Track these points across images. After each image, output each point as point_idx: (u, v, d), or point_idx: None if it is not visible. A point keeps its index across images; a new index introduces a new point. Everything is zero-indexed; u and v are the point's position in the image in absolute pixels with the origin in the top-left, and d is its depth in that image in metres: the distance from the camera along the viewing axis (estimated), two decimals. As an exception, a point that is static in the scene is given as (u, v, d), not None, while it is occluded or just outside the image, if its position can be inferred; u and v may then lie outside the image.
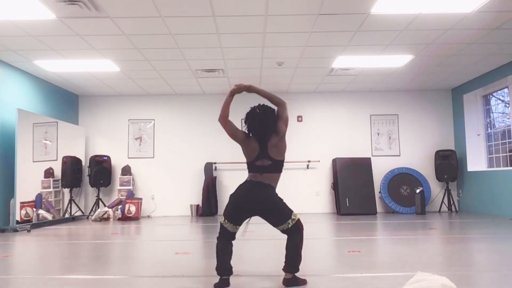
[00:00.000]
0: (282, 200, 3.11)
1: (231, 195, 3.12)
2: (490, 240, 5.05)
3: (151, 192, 9.38)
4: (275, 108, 3.20)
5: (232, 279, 3.14)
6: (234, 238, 3.15)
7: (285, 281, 3.05)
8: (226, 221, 3.09)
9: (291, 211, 3.09)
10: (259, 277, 3.32)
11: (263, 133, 3.10)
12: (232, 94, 3.27)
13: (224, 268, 3.08)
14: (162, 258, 4.21)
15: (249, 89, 3.26)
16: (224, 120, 3.22)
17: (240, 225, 3.11)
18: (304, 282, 3.08)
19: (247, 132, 3.20)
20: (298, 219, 3.10)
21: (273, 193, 3.09)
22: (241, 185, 3.15)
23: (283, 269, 3.08)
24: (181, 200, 9.35)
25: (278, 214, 3.05)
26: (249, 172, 3.17)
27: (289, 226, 3.04)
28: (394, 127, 9.58)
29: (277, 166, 3.12)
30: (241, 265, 3.68)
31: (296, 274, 3.08)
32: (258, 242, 5.13)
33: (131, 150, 9.53)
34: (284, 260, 3.09)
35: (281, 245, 4.71)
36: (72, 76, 7.93)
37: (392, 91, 9.58)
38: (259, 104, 3.18)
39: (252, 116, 3.13)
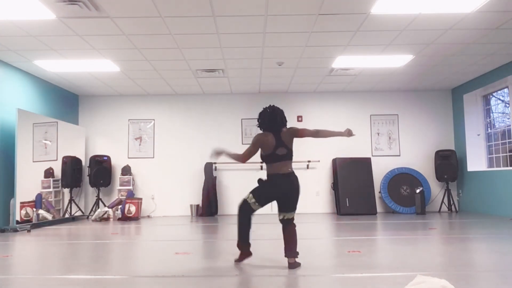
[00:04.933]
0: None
1: (265, 183, 3.70)
2: (490, 240, 5.05)
3: (151, 192, 9.38)
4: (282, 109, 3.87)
5: (233, 278, 3.14)
6: (253, 213, 3.73)
7: (290, 265, 3.59)
8: (256, 204, 3.68)
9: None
10: (259, 277, 3.33)
11: (273, 127, 3.71)
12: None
13: (244, 240, 3.70)
14: (162, 258, 4.21)
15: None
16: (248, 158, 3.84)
17: (262, 207, 3.73)
18: (299, 265, 3.66)
19: (260, 128, 3.81)
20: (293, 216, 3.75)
21: (298, 182, 3.72)
22: (270, 181, 3.68)
23: (285, 256, 3.63)
24: (181, 200, 9.35)
25: (295, 201, 3.69)
26: (268, 163, 3.70)
27: (292, 216, 3.69)
28: (394, 127, 9.58)
29: (291, 154, 3.75)
30: (241, 264, 3.67)
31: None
32: (258, 242, 5.13)
33: (131, 150, 9.53)
34: (284, 248, 3.64)
35: (280, 246, 4.70)
36: (72, 76, 7.93)
37: (392, 91, 9.58)
38: (269, 105, 3.84)
39: (264, 115, 3.78)
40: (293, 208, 3.69)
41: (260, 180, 3.74)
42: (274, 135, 3.69)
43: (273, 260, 3.95)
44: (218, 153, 3.87)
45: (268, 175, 3.71)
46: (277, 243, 5.04)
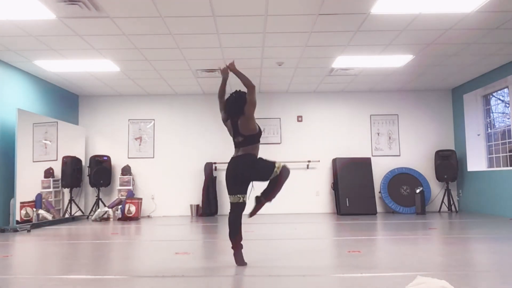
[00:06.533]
0: (262, 158, 3.74)
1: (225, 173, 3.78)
2: (490, 240, 5.05)
3: (151, 192, 9.38)
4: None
5: (233, 278, 3.14)
6: (241, 210, 3.71)
7: (257, 200, 3.78)
8: (230, 196, 3.73)
9: (273, 163, 3.70)
10: (259, 277, 3.33)
11: (233, 113, 3.76)
12: (223, 77, 4.03)
13: (235, 232, 3.68)
14: (162, 258, 4.21)
15: (231, 70, 3.90)
16: (219, 96, 4.02)
17: (239, 194, 3.68)
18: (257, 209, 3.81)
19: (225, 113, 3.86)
20: (284, 166, 3.71)
21: (252, 158, 3.68)
22: (228, 165, 3.76)
23: (261, 194, 3.77)
24: (181, 200, 9.35)
25: (262, 170, 3.68)
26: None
27: (278, 173, 3.66)
28: (394, 127, 9.58)
29: (250, 140, 3.70)
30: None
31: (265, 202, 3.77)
32: (258, 242, 5.12)
33: (131, 150, 9.53)
34: (265, 189, 3.75)
35: (280, 246, 4.69)
36: (72, 76, 7.93)
37: (392, 91, 9.58)
38: (236, 90, 3.84)
39: (228, 99, 3.83)
40: (265, 176, 3.68)
41: None
42: (232, 123, 3.75)
43: (273, 260, 3.95)
44: (225, 71, 3.95)
45: None
46: (277, 243, 5.04)
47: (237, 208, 3.71)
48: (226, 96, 3.89)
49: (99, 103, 9.61)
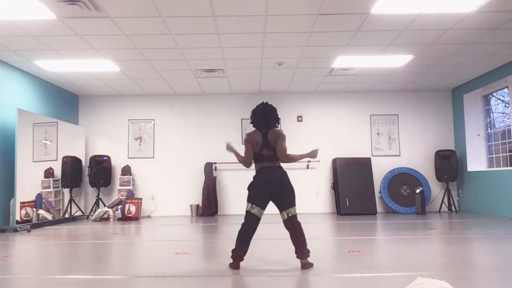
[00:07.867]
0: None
1: (253, 184, 3.66)
2: (490, 240, 5.05)
3: (151, 192, 9.38)
4: (275, 107, 3.82)
5: (233, 278, 3.13)
6: (257, 224, 3.62)
7: (302, 266, 3.58)
8: (253, 206, 3.58)
9: (295, 202, 3.64)
10: (259, 277, 3.33)
11: (264, 124, 3.69)
12: (233, 151, 3.89)
13: (240, 253, 3.58)
14: (162, 258, 4.21)
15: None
16: (250, 160, 3.77)
17: (264, 208, 3.60)
18: (312, 265, 3.63)
19: (252, 125, 3.77)
20: (296, 214, 3.63)
21: (287, 176, 3.64)
22: (257, 174, 3.66)
23: (297, 257, 3.61)
24: (181, 200, 9.35)
25: (290, 195, 3.60)
26: (257, 162, 3.69)
27: (293, 213, 3.58)
28: (394, 127, 9.58)
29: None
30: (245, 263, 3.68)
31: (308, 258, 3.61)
32: (258, 242, 5.12)
33: (131, 150, 9.53)
34: (294, 249, 3.60)
35: (280, 245, 4.69)
36: (72, 76, 7.93)
37: (392, 91, 9.58)
38: (262, 102, 3.83)
39: (256, 111, 3.76)
40: (290, 203, 3.57)
41: (249, 185, 3.68)
42: (262, 134, 3.65)
43: (273, 261, 3.95)
44: (230, 148, 3.86)
45: (255, 171, 3.68)
46: (277, 243, 5.04)
47: (254, 221, 3.58)
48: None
49: (99, 103, 9.61)
